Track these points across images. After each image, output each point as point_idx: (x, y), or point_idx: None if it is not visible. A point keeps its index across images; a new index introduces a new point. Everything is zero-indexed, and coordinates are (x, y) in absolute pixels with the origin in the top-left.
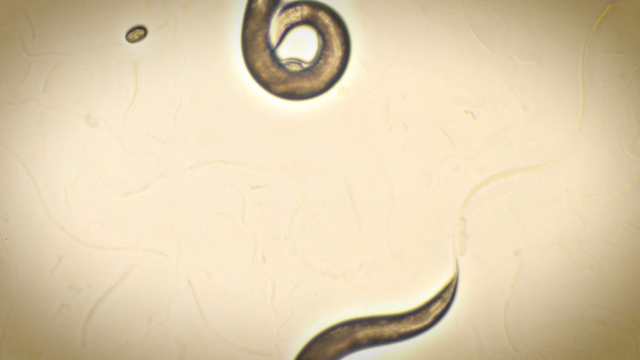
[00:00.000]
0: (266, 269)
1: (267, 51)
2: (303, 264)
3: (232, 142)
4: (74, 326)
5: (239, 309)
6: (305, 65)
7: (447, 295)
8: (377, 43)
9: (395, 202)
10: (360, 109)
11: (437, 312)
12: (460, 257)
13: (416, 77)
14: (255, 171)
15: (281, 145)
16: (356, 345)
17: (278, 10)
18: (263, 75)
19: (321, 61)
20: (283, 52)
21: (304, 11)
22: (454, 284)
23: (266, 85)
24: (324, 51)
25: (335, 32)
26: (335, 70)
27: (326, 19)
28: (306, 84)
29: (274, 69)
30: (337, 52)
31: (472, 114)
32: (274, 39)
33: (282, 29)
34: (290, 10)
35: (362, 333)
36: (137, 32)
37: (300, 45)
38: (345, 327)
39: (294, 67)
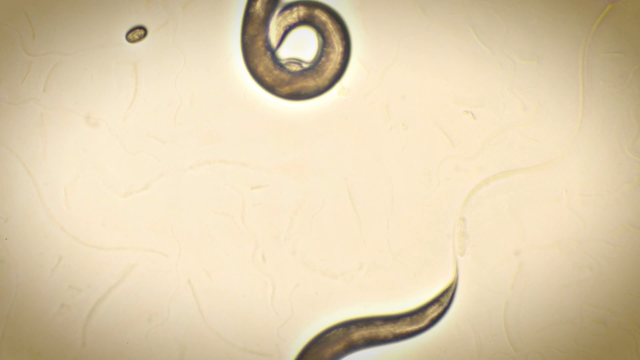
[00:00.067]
0: (266, 269)
1: (268, 55)
2: (303, 264)
3: (232, 142)
4: (74, 326)
5: (239, 309)
6: (305, 65)
7: (445, 299)
8: (377, 43)
9: (395, 202)
10: (360, 109)
11: (433, 315)
12: (460, 260)
13: (416, 77)
14: (255, 171)
15: (281, 145)
16: (352, 347)
17: (276, 13)
18: (267, 79)
19: (323, 58)
20: (282, 53)
21: (300, 12)
22: (452, 288)
23: (271, 88)
24: (325, 48)
25: (333, 28)
26: (338, 66)
27: (323, 16)
28: (310, 83)
29: (276, 72)
30: (338, 48)
31: (472, 114)
32: (273, 41)
33: (281, 31)
34: (287, 12)
35: (357, 334)
36: (137, 32)
37: (300, 46)
38: (340, 329)
39: (294, 67)
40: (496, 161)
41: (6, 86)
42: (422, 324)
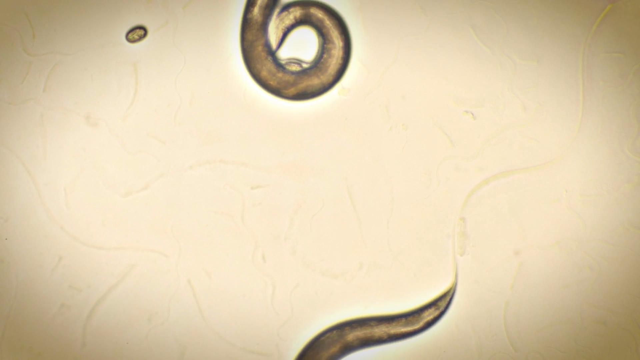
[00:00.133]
0: (266, 269)
1: (270, 59)
2: (303, 264)
3: (232, 142)
4: (74, 326)
5: (239, 309)
6: (305, 66)
7: (442, 303)
8: (377, 43)
9: (395, 202)
10: (360, 109)
11: (429, 318)
12: (459, 265)
13: (416, 77)
14: (255, 171)
15: (281, 145)
16: (348, 348)
17: (274, 17)
18: (271, 82)
19: (325, 55)
20: (282, 54)
21: (296, 12)
22: (450, 293)
23: (276, 91)
24: (326, 45)
25: (331, 24)
26: (340, 61)
27: (319, 14)
28: (315, 81)
29: (280, 74)
30: (338, 43)
31: (472, 114)
32: (273, 45)
33: (280, 34)
34: (284, 14)
35: (352, 335)
36: (137, 32)
37: (301, 46)
38: (334, 331)
39: (294, 68)
40: (496, 161)
41: (6, 86)
42: (416, 326)
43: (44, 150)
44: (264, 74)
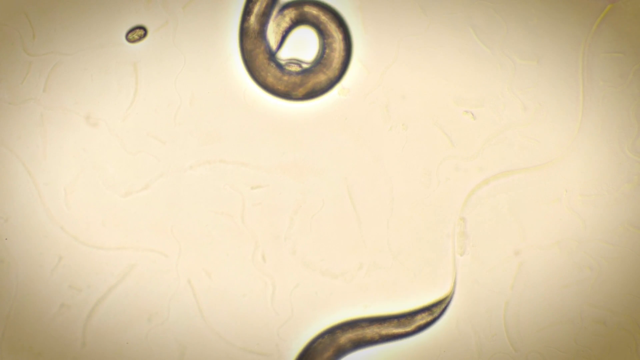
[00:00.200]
0: (266, 269)
1: (273, 64)
2: (303, 264)
3: (232, 142)
4: (74, 326)
5: (239, 309)
6: (305, 66)
7: (436, 309)
8: (377, 43)
9: (395, 202)
10: (360, 109)
11: (421, 322)
12: (458, 268)
13: (416, 77)
14: (255, 171)
15: (281, 145)
16: (341, 351)
17: (270, 22)
18: (279, 87)
19: (327, 50)
20: (282, 55)
21: (291, 14)
22: (446, 301)
23: (286, 95)
24: (326, 40)
25: (327, 19)
26: (343, 54)
27: (314, 11)
28: (322, 78)
29: (286, 77)
30: (338, 36)
31: (472, 114)
32: (273, 48)
33: (279, 38)
34: (279, 17)
35: (344, 338)
36: (137, 32)
37: (302, 46)
38: (326, 336)
39: (294, 68)
40: (496, 161)
41: (6, 86)
42: (408, 328)
43: (44, 150)
44: (270, 80)
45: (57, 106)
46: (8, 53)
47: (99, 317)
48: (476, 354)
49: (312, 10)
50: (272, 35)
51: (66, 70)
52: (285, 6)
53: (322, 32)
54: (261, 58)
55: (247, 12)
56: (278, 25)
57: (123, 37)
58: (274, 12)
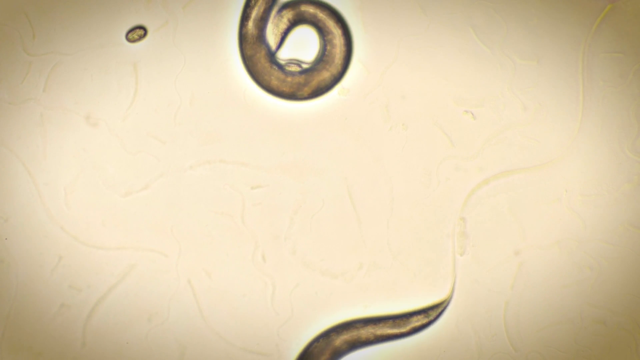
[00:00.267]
0: (266, 269)
1: (275, 67)
2: (303, 264)
3: (232, 142)
4: (74, 326)
5: (239, 309)
6: (305, 66)
7: (432, 313)
8: (377, 43)
9: (395, 202)
10: (360, 109)
11: (416, 324)
12: (457, 271)
13: (416, 77)
14: (255, 171)
15: (281, 145)
16: (337, 353)
17: (269, 25)
18: (284, 89)
19: (328, 47)
20: (282, 55)
21: (288, 15)
22: (443, 306)
23: (292, 96)
24: (325, 37)
25: (325, 15)
26: (344, 49)
27: (310, 9)
28: (325, 75)
29: (289, 79)
30: (337, 31)
31: (472, 114)
32: (274, 48)
33: (278, 39)
34: (277, 19)
35: (339, 340)
36: (137, 32)
37: (303, 45)
38: (320, 340)
39: (294, 68)
40: (496, 161)
41: (6, 86)
42: (403, 329)
43: (44, 150)
44: (274, 83)
45: (57, 106)
46: (8, 53)
47: (99, 317)
48: (476, 354)
49: (309, 9)
50: (272, 37)
51: (66, 70)
52: (283, 7)
53: (321, 30)
54: (263, 62)
55: (245, 18)
56: (276, 26)
57: (123, 37)
58: (272, 15)
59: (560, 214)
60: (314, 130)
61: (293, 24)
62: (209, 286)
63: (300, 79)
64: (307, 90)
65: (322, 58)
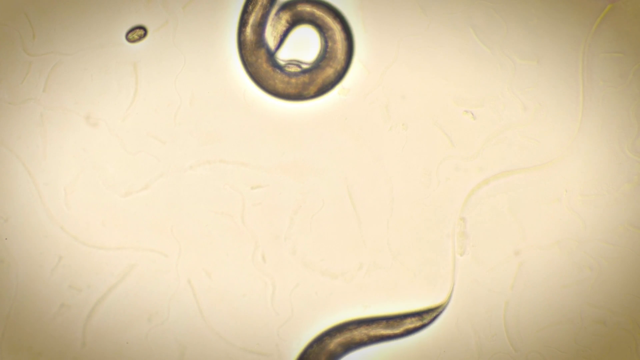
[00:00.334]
0: (266, 269)
1: (278, 70)
2: (303, 264)
3: (232, 142)
4: (74, 326)
5: (239, 309)
6: (305, 66)
7: (427, 317)
8: (377, 43)
9: (395, 202)
10: (360, 109)
11: (410, 326)
12: (455, 286)
13: (416, 77)
14: (255, 171)
15: (281, 145)
16: (333, 356)
17: (267, 29)
18: (290, 91)
19: (329, 43)
20: (282, 56)
21: (286, 16)
22: (438, 310)
23: (298, 96)
24: (326, 33)
25: (322, 12)
26: (345, 43)
27: (307, 8)
28: (329, 72)
29: (294, 80)
30: (336, 26)
31: (472, 114)
32: (277, 48)
33: (277, 41)
34: (275, 21)
35: (333, 343)
36: (137, 32)
37: (303, 46)
38: (314, 345)
39: (294, 69)
40: (496, 161)
41: (6, 86)
42: (396, 331)
43: (44, 150)
44: (279, 86)
45: (57, 106)
46: (8, 53)
47: (99, 317)
48: (476, 354)
49: (305, 8)
50: (271, 40)
51: (66, 70)
52: (280, 9)
53: (320, 27)
54: (265, 67)
55: (242, 24)
56: (275, 28)
57: (123, 37)
58: (270, 18)
59: (560, 214)
60: (314, 130)
61: (292, 25)
62: (209, 286)
63: (305, 78)
64: (312, 88)
65: (325, 55)
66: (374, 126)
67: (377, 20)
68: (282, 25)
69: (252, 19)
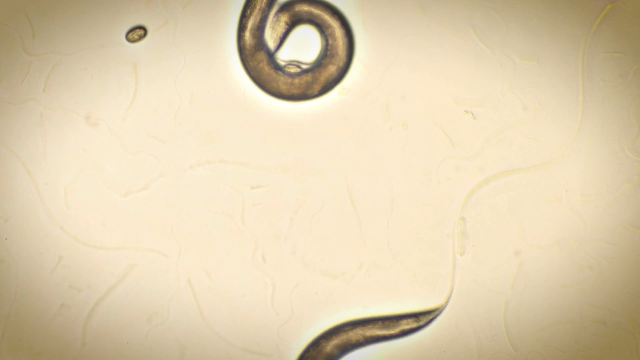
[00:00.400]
0: (266, 269)
1: (280, 72)
2: (303, 264)
3: (232, 142)
4: (74, 326)
5: (239, 309)
6: (304, 67)
7: (423, 319)
8: (377, 43)
9: (395, 202)
10: (360, 109)
11: (405, 327)
12: (454, 290)
13: (416, 77)
14: (255, 171)
15: (281, 145)
16: (330, 359)
17: (267, 30)
18: (294, 91)
19: (329, 40)
20: (282, 56)
21: (285, 18)
22: (435, 313)
23: (303, 96)
24: (325, 31)
25: (320, 11)
26: (345, 39)
27: (304, 7)
28: (332, 69)
29: (297, 80)
30: (334, 23)
31: (472, 114)
32: (277, 49)
33: (277, 42)
34: (274, 22)
35: (330, 345)
36: (137, 32)
37: (304, 46)
38: (311, 349)
39: (294, 69)
40: (496, 161)
41: (6, 86)
42: (392, 331)
43: (44, 150)
44: (283, 87)
45: (57, 106)
46: (8, 53)
47: (99, 317)
48: (476, 354)
49: (303, 8)
50: (271, 42)
51: (66, 70)
52: (278, 11)
53: (319, 25)
54: (267, 70)
55: (241, 29)
56: (274, 30)
57: (123, 37)
58: (269, 20)
59: (560, 214)
60: (314, 130)
61: (292, 26)
62: (209, 286)
63: (308, 77)
64: (317, 87)
65: (326, 53)
66: (374, 126)
67: (377, 20)
68: (282, 27)
69: (250, 23)
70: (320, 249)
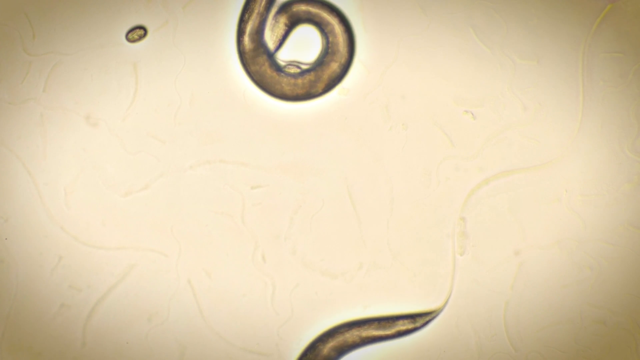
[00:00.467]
0: (266, 269)
1: (282, 74)
2: (303, 264)
3: (232, 142)
4: (74, 326)
5: (239, 309)
6: (304, 67)
7: (420, 320)
8: (377, 43)
9: (395, 202)
10: (360, 109)
11: (402, 328)
12: (453, 293)
13: (416, 77)
14: (255, 171)
15: (281, 145)
16: None
17: (267, 32)
18: (298, 92)
19: (330, 38)
20: (281, 56)
21: (283, 19)
22: (432, 315)
23: (309, 95)
24: (325, 29)
25: (317, 9)
26: (345, 35)
27: (302, 7)
28: (334, 66)
29: (300, 80)
30: (334, 20)
31: (472, 114)
32: (277, 49)
33: (277, 43)
34: (273, 24)
35: (327, 348)
36: (137, 32)
37: (305, 46)
38: (308, 354)
39: (293, 70)
40: (496, 161)
41: (6, 86)
42: (388, 332)
43: (44, 150)
44: (287, 89)
45: (57, 106)
46: (8, 53)
47: (99, 317)
48: (476, 354)
49: (300, 7)
50: (271, 44)
51: (66, 70)
52: (276, 13)
53: (318, 24)
54: (270, 73)
55: (240, 33)
56: (274, 32)
57: (123, 37)
58: (268, 22)
59: (560, 214)
60: (314, 130)
61: (291, 27)
62: (209, 286)
63: (311, 76)
64: (320, 85)
65: (328, 51)
66: (374, 126)
67: (377, 20)
68: (281, 28)
69: (249, 27)
70: (320, 249)
